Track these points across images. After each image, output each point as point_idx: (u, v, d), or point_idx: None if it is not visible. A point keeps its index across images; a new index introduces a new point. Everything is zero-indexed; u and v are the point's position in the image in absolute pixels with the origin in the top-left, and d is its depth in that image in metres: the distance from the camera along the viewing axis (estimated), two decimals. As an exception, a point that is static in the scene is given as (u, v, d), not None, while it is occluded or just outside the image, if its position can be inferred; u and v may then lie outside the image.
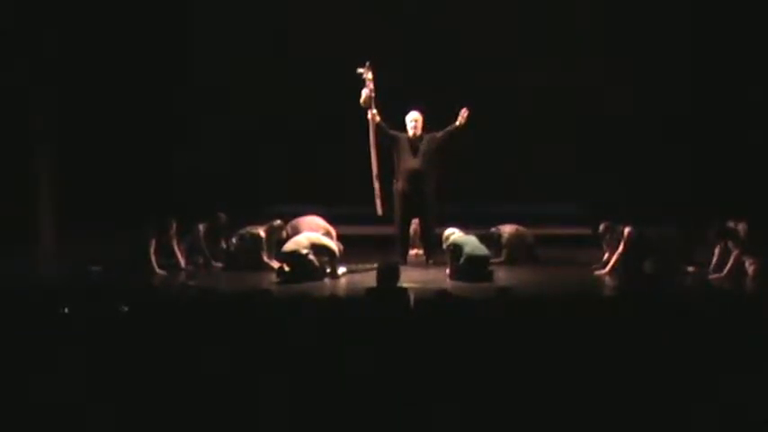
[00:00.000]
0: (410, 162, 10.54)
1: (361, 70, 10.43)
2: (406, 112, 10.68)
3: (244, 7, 13.47)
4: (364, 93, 10.44)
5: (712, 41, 12.60)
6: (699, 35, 12.76)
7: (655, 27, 13.00)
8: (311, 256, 9.79)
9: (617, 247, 10.04)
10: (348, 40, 13.04)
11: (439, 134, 10.59)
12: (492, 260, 10.22)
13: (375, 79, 10.45)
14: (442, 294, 6.24)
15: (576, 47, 13.13)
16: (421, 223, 10.83)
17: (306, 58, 13.19)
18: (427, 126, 10.66)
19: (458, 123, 10.51)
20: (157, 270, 10.08)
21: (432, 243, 10.64)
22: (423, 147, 10.56)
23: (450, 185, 10.91)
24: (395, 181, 10.66)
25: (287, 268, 9.82)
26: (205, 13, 13.49)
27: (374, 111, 10.48)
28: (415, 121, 10.60)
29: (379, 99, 10.52)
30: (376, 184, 10.62)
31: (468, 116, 10.46)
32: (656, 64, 12.96)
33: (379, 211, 10.70)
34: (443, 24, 13.20)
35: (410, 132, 10.60)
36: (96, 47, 12.37)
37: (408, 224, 10.79)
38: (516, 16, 13.27)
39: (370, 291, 7.26)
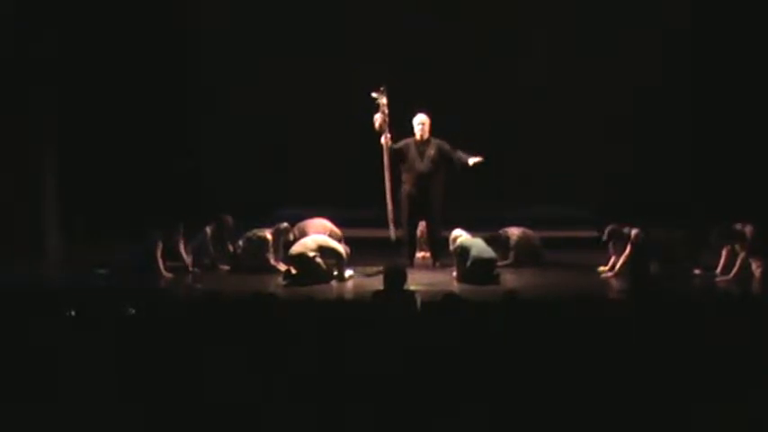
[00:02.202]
0: (417, 165, 10.53)
1: (375, 95, 10.37)
2: (414, 114, 10.65)
3: (246, 8, 13.47)
4: (378, 117, 10.39)
5: (714, 39, 12.57)
6: (700, 33, 12.74)
7: (655, 27, 13.00)
8: (318, 259, 9.79)
9: (624, 250, 10.04)
10: (351, 40, 13.09)
11: (449, 150, 10.52)
12: (499, 263, 10.22)
13: (389, 104, 10.41)
14: (448, 297, 6.24)
15: (575, 47, 13.12)
16: (427, 226, 10.79)
17: (309, 59, 13.19)
18: (434, 129, 10.66)
19: (469, 163, 10.40)
20: (164, 273, 10.09)
21: (438, 245, 10.63)
22: (429, 150, 10.55)
23: (457, 188, 10.89)
24: (402, 183, 10.63)
25: (294, 271, 9.83)
26: (207, 14, 13.48)
27: (388, 135, 10.41)
28: (423, 123, 10.58)
29: (388, 114, 10.45)
30: (390, 209, 10.56)
31: (479, 164, 10.39)
32: (656, 64, 12.96)
33: (393, 235, 10.60)
34: (446, 25, 13.19)
35: (417, 135, 10.57)
36: (97, 48, 12.37)
37: (415, 226, 10.78)
38: (521, 17, 13.26)
39: (376, 293, 7.25)
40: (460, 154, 10.51)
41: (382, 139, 10.42)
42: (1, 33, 11.12)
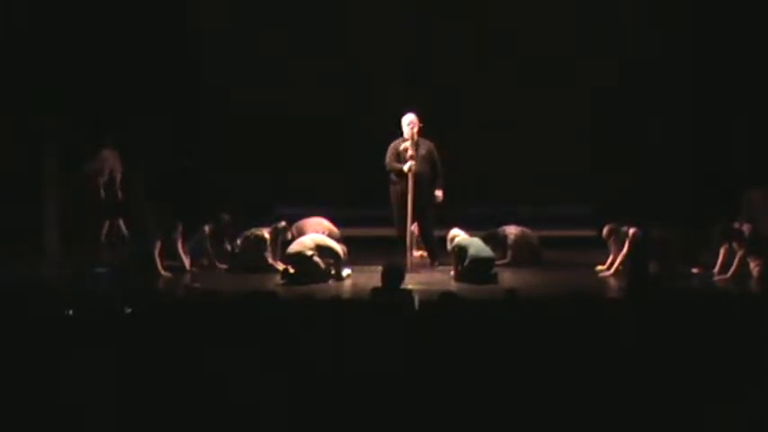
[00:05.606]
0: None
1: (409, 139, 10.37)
2: (403, 114, 10.60)
3: (246, 8, 13.48)
4: (408, 146, 10.35)
5: (714, 38, 12.58)
6: (700, 32, 12.75)
7: (656, 26, 13.01)
8: (316, 258, 9.79)
9: (622, 249, 10.04)
10: (351, 40, 13.10)
11: (435, 154, 10.52)
12: (497, 261, 10.23)
13: (419, 132, 10.41)
14: (446, 296, 6.24)
15: (576, 47, 13.13)
16: (419, 225, 10.73)
17: (309, 59, 13.21)
18: (434, 129, 10.65)
19: (437, 194, 10.51)
20: (162, 272, 10.09)
21: (432, 244, 10.60)
22: (420, 150, 10.48)
23: (456, 187, 10.88)
24: (392, 183, 10.54)
25: (292, 270, 9.83)
26: (207, 14, 13.50)
27: (413, 162, 10.29)
28: (412, 123, 10.49)
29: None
30: (408, 239, 10.50)
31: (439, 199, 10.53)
32: (657, 64, 12.97)
33: (409, 266, 10.35)
34: (446, 25, 13.21)
35: (407, 135, 10.48)
36: (98, 48, 12.39)
37: (408, 226, 10.73)
38: (521, 16, 13.27)
39: (374, 292, 7.26)
40: (439, 167, 10.53)
41: (406, 167, 10.38)
42: (1, 32, 11.14)
